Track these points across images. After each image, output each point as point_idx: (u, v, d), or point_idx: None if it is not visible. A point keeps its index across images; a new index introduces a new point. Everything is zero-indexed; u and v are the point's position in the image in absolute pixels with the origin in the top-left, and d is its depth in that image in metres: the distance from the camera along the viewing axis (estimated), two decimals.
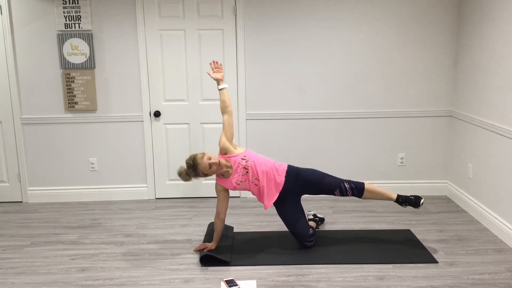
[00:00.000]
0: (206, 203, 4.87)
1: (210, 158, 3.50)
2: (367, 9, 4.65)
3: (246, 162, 3.60)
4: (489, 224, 4.09)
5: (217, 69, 3.82)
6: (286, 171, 3.68)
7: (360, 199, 3.79)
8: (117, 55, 4.72)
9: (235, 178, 3.61)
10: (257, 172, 3.59)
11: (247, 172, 3.60)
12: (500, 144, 3.93)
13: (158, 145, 4.92)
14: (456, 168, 4.77)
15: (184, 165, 3.60)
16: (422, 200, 3.72)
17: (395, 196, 3.76)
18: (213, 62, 3.83)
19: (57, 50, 4.69)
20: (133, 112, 4.84)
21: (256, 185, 3.63)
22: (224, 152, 3.66)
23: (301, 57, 4.75)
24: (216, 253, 3.59)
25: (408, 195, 3.79)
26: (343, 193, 3.69)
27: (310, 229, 3.75)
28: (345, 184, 3.69)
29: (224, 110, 3.76)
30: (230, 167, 3.61)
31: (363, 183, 3.72)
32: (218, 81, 3.78)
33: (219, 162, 3.52)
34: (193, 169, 3.53)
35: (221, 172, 3.60)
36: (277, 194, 3.64)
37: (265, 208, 3.67)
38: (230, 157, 3.63)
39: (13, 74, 4.71)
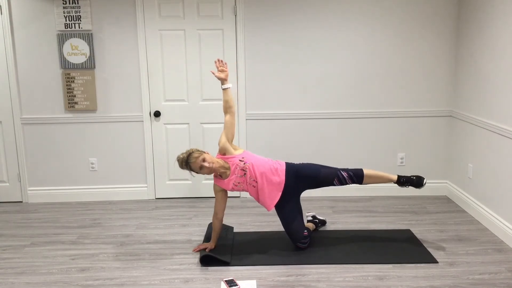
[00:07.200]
0: (206, 203, 4.87)
1: (204, 160, 3.46)
2: (367, 9, 4.65)
3: (244, 164, 3.57)
4: (489, 224, 4.09)
5: (221, 68, 3.68)
6: (285, 170, 3.65)
7: (360, 185, 3.69)
8: (117, 55, 4.72)
9: (232, 180, 3.59)
10: (255, 174, 3.57)
11: (244, 173, 3.58)
12: (500, 144, 3.93)
13: (158, 145, 4.92)
14: (456, 168, 4.77)
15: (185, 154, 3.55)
16: (425, 180, 3.68)
17: (395, 178, 3.72)
18: (218, 60, 3.69)
19: (57, 50, 4.69)
20: (133, 112, 4.84)
21: (254, 187, 3.61)
22: (223, 152, 3.63)
23: (301, 57, 4.75)
24: (216, 253, 3.58)
25: (410, 175, 3.76)
26: (342, 182, 3.65)
27: (305, 231, 3.72)
28: (343, 173, 3.65)
29: (227, 110, 3.68)
30: (228, 168, 3.59)
31: (361, 170, 3.68)
32: (222, 81, 3.67)
33: (212, 168, 3.48)
34: (185, 163, 3.51)
35: (218, 173, 3.60)
36: (280, 194, 3.62)
37: (269, 210, 3.64)
38: (229, 158, 3.60)
39: (13, 74, 4.71)
